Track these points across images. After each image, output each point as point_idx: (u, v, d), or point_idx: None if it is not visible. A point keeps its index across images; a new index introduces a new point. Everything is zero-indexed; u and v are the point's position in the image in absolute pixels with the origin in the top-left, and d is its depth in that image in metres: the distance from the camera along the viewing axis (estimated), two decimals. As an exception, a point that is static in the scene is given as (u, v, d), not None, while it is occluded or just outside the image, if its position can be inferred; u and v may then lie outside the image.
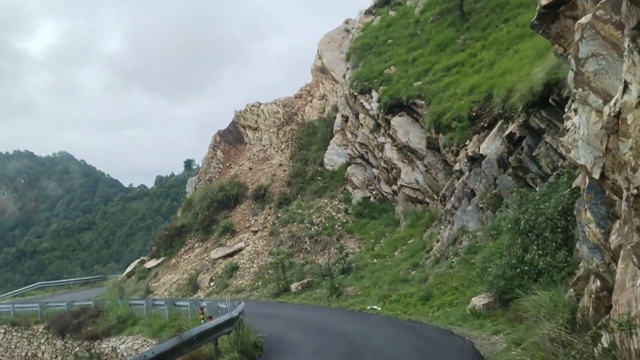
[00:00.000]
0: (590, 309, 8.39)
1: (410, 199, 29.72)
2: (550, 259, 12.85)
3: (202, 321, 15.54)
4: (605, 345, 6.82)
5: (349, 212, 34.62)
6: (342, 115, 38.89)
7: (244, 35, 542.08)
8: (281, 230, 34.48)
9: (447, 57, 31.47)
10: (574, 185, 12.19)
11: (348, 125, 37.79)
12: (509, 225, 14.60)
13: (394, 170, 30.84)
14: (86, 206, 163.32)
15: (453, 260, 20.82)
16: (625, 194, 6.10)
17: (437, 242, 23.66)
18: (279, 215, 36.23)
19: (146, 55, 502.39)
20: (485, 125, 23.06)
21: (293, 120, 46.65)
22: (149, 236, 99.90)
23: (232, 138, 49.47)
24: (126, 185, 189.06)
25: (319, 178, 38.30)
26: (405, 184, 29.62)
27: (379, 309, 19.98)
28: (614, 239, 6.87)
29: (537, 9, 9.98)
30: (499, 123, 21.55)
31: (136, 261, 45.06)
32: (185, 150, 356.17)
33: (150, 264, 40.08)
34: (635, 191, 5.61)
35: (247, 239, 35.46)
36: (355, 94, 35.50)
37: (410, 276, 22.35)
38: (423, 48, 34.30)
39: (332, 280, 24.44)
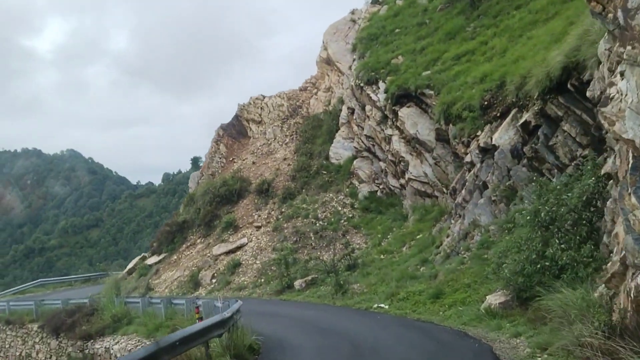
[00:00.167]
0: (630, 310, 7.27)
1: (419, 192, 28.84)
2: (574, 254, 11.70)
3: (198, 321, 14.45)
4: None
5: (355, 206, 33.71)
6: (348, 108, 37.94)
7: (251, 32, 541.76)
8: (285, 225, 33.59)
9: (456, 45, 30.36)
10: (602, 172, 11.07)
11: (354, 117, 36.82)
12: (528, 218, 13.40)
13: (402, 163, 29.91)
14: (94, 204, 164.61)
15: (464, 255, 19.85)
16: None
17: (447, 237, 22.73)
18: (283, 210, 35.37)
19: (153, 53, 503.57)
20: (498, 114, 21.98)
21: (298, 114, 45.79)
22: (156, 233, 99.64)
23: (235, 132, 48.43)
24: (134, 182, 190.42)
25: (324, 172, 37.46)
26: (414, 178, 28.74)
27: (387, 307, 19.02)
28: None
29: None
30: (513, 112, 20.56)
31: (137, 258, 44.26)
32: (192, 147, 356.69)
33: (151, 260, 39.20)
34: None
35: (250, 234, 34.56)
36: (362, 84, 34.47)
37: (419, 273, 21.40)
38: (432, 37, 33.23)
39: (337, 277, 23.50)
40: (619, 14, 6.15)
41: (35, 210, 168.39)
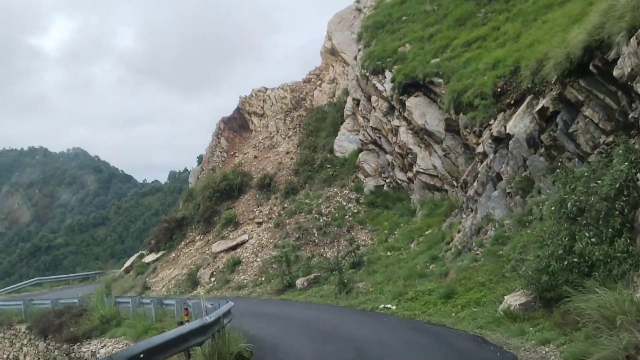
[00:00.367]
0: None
1: (427, 186, 27.69)
2: (607, 248, 10.25)
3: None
4: None
5: (361, 201, 32.40)
6: (353, 99, 36.67)
7: (257, 29, 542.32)
8: (287, 221, 32.29)
9: (467, 31, 29.14)
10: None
11: (359, 109, 35.56)
12: (552, 209, 11.90)
13: (410, 156, 28.75)
14: (100, 202, 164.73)
15: (477, 252, 18.49)
16: None
17: (458, 232, 21.48)
18: (285, 205, 34.06)
19: (159, 51, 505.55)
20: (512, 101, 20.79)
21: (301, 106, 44.43)
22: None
23: (236, 125, 47.07)
24: (140, 181, 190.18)
25: (329, 166, 36.11)
26: (422, 170, 27.60)
27: (394, 308, 17.66)
28: None
29: None
30: (528, 98, 19.34)
31: (135, 255, 43.01)
32: (198, 145, 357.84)
33: (149, 258, 37.89)
34: None
35: (251, 231, 33.26)
36: (367, 74, 33.22)
37: (429, 270, 20.06)
38: (440, 24, 32.00)
39: (341, 275, 22.22)
40: None
41: (41, 208, 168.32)
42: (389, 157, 32.09)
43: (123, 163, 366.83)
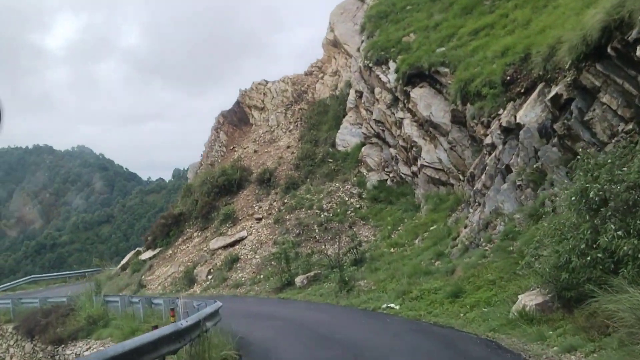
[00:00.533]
0: None
1: (433, 180, 26.63)
2: (637, 242, 9.11)
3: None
4: None
5: (363, 196, 31.42)
6: (356, 91, 35.65)
7: (263, 26, 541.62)
8: (287, 217, 31.30)
9: (474, 20, 28.01)
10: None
11: (362, 101, 34.51)
12: (572, 199, 10.72)
13: (414, 149, 27.69)
14: (105, 200, 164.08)
15: (486, 248, 17.37)
16: None
17: (465, 227, 20.41)
18: (286, 201, 33.05)
19: (165, 49, 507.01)
20: (522, 90, 19.71)
21: (303, 99, 43.35)
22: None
23: (236, 119, 45.96)
24: (144, 178, 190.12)
25: (330, 160, 35.12)
26: (427, 164, 26.54)
27: (397, 307, 16.56)
28: None
29: None
30: (540, 86, 18.27)
31: (131, 252, 41.96)
32: (203, 143, 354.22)
33: (146, 255, 36.83)
34: None
35: (250, 227, 32.22)
36: (370, 65, 32.15)
37: (434, 267, 19.04)
38: (446, 12, 30.89)
39: (342, 272, 21.18)
40: None
41: (46, 206, 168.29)
42: (392, 150, 31.10)
43: (128, 161, 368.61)
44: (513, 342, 10.40)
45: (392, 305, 16.92)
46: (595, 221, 10.26)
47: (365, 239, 27.19)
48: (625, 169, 10.18)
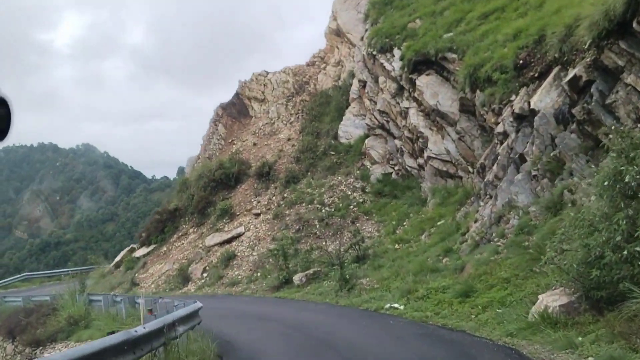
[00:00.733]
0: None
1: (440, 173, 25.42)
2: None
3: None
4: None
5: (367, 190, 30.22)
6: (360, 81, 34.37)
7: (268, 24, 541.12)
8: (287, 212, 30.12)
9: (483, 3, 26.71)
10: None
11: (366, 91, 33.23)
12: (605, 183, 9.25)
13: (420, 140, 26.48)
14: (109, 198, 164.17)
15: (498, 243, 16.09)
16: None
17: (475, 222, 19.15)
18: (285, 195, 31.86)
19: (170, 46, 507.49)
20: (536, 74, 18.43)
21: (304, 90, 42.20)
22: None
23: (235, 111, 44.66)
24: (149, 176, 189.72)
25: (333, 153, 33.95)
26: (434, 156, 25.34)
27: (402, 308, 15.23)
28: None
29: None
30: (555, 70, 16.97)
31: (125, 249, 40.68)
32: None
33: (140, 252, 35.60)
34: None
35: (248, 223, 31.05)
36: (374, 53, 30.90)
37: (442, 265, 17.77)
38: (454, -4, 29.52)
39: (343, 270, 19.88)
40: None
41: (52, 204, 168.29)
42: (397, 142, 29.83)
43: (132, 159, 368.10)
44: (537, 350, 8.89)
45: (395, 305, 15.67)
46: (630, 210, 8.84)
47: (369, 235, 26.02)
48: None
